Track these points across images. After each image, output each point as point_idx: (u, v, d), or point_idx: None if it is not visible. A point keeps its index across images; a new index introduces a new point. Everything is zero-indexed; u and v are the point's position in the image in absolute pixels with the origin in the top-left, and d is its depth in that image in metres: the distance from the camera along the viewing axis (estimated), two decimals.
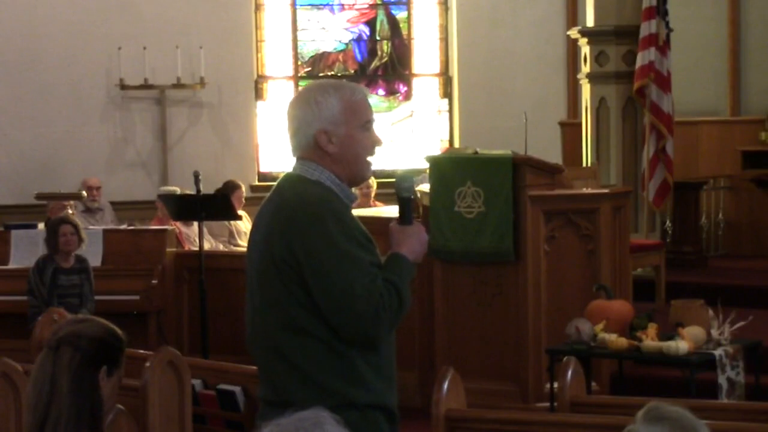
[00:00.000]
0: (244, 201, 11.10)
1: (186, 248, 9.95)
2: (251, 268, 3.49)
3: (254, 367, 6.20)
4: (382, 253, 3.51)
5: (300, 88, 3.70)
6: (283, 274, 3.35)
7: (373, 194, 10.89)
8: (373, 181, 10.62)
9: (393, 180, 3.80)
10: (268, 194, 3.60)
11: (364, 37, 13.27)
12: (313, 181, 3.44)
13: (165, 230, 9.61)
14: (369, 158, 3.52)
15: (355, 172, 3.50)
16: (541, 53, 12.86)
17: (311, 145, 3.46)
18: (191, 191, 9.26)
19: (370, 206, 10.31)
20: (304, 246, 3.32)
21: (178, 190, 10.75)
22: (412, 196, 3.60)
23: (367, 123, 3.49)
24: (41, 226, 9.56)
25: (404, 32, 13.28)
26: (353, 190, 3.64)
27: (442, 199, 7.66)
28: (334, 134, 3.43)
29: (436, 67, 13.27)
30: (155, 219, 10.71)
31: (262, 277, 3.41)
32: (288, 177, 3.54)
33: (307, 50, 13.18)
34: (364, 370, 3.38)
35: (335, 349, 3.35)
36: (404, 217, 3.53)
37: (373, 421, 3.41)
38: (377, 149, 3.55)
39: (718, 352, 6.45)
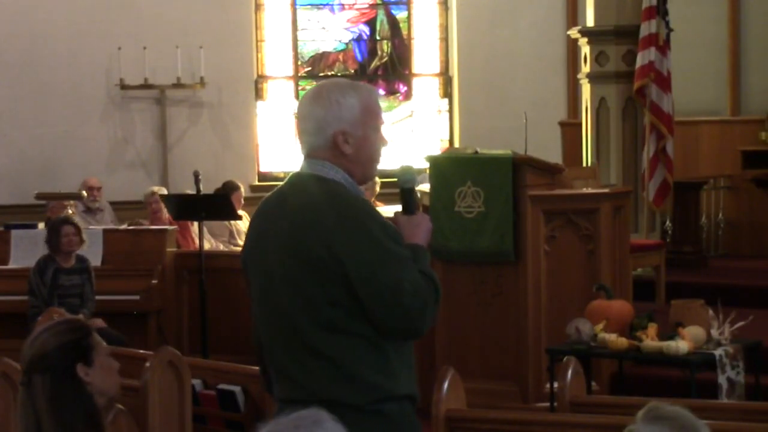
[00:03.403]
0: (243, 201, 11.10)
1: (190, 247, 9.97)
2: (271, 272, 3.43)
3: (254, 367, 6.23)
4: None
5: (312, 86, 3.65)
6: (320, 274, 3.32)
7: (375, 193, 10.88)
8: (377, 180, 10.61)
9: (393, 180, 3.81)
10: (269, 195, 3.56)
11: (364, 37, 13.27)
12: (330, 180, 3.42)
13: (165, 230, 9.61)
14: (379, 159, 3.55)
15: (366, 172, 3.51)
16: (541, 53, 12.86)
17: (328, 145, 3.44)
18: (191, 191, 9.26)
19: None
20: (347, 247, 3.30)
21: (163, 190, 10.82)
22: (414, 186, 3.62)
23: (380, 125, 3.51)
24: (41, 226, 9.56)
25: (404, 32, 13.28)
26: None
27: (442, 199, 7.66)
28: (351, 135, 3.43)
29: (436, 67, 13.27)
30: (150, 218, 10.70)
31: (294, 278, 3.37)
32: (302, 176, 3.48)
33: (307, 50, 13.18)
34: (397, 362, 3.40)
35: (374, 343, 3.35)
36: (408, 207, 3.56)
37: (408, 411, 3.44)
38: (383, 149, 3.57)
39: (718, 352, 6.44)
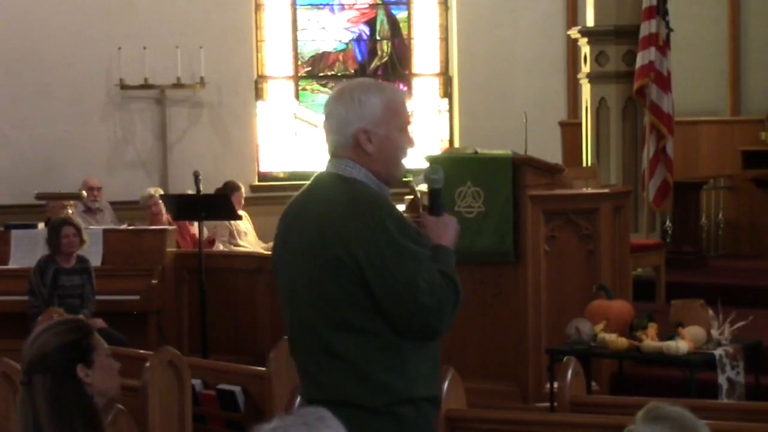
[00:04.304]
0: (243, 202, 11.09)
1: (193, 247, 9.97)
2: (293, 272, 3.43)
3: (254, 367, 6.25)
4: None
5: (341, 85, 3.62)
6: (339, 274, 3.31)
7: None
8: None
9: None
10: (296, 195, 3.54)
11: (364, 37, 13.27)
12: (350, 179, 3.41)
13: (165, 230, 9.62)
14: (404, 159, 3.51)
15: (391, 172, 3.49)
16: (541, 53, 12.86)
17: (350, 143, 3.43)
18: (191, 191, 9.26)
19: None
20: (363, 245, 3.29)
21: (160, 191, 10.80)
22: (442, 187, 3.58)
23: (404, 125, 3.49)
24: (41, 226, 9.56)
25: (404, 32, 13.28)
26: None
27: None
28: (373, 134, 3.42)
29: (436, 67, 13.27)
30: (150, 219, 10.70)
31: (312, 278, 3.36)
32: (325, 176, 3.48)
33: (307, 50, 13.18)
34: (417, 364, 3.38)
35: (391, 345, 3.33)
36: (435, 208, 3.53)
37: (426, 414, 3.41)
38: (409, 150, 3.53)
39: (718, 352, 6.44)
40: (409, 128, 3.53)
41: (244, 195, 11.23)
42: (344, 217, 3.34)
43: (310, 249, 3.37)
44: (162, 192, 10.94)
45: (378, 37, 13.29)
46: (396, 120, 3.46)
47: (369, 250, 3.29)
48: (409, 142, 3.50)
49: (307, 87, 13.12)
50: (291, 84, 13.02)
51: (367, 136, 3.42)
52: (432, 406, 3.44)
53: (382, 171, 3.45)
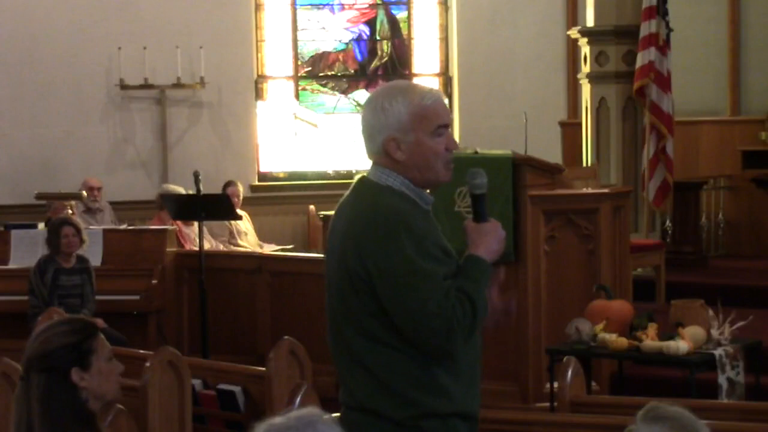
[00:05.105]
0: (241, 199, 11.08)
1: (186, 248, 9.95)
2: (329, 279, 3.41)
3: (254, 367, 6.26)
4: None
5: (376, 89, 3.55)
6: (356, 285, 3.27)
7: None
8: None
9: None
10: (344, 196, 3.48)
11: (364, 37, 13.27)
12: (384, 187, 3.34)
13: (165, 230, 9.61)
14: (445, 162, 3.37)
15: (429, 177, 3.37)
16: (541, 53, 12.87)
17: (381, 151, 3.35)
18: (192, 191, 9.25)
19: None
20: (376, 261, 3.23)
21: (181, 190, 10.75)
22: (485, 192, 3.43)
23: (438, 128, 3.35)
24: (41, 226, 9.56)
25: (404, 32, 13.29)
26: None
27: (442, 198, 7.65)
28: (402, 141, 3.33)
29: (436, 67, 13.27)
30: (155, 218, 10.69)
31: (338, 286, 3.34)
32: (362, 182, 3.41)
33: (307, 50, 13.18)
34: (443, 379, 3.30)
35: (413, 357, 3.27)
36: (479, 215, 3.41)
37: (456, 430, 3.34)
38: (454, 152, 3.41)
39: (718, 352, 6.44)
40: (449, 129, 3.41)
41: (241, 193, 11.24)
42: (363, 232, 3.28)
43: (336, 256, 3.35)
44: (182, 190, 10.90)
45: (378, 37, 13.29)
46: (425, 124, 3.33)
47: (380, 266, 3.23)
48: (448, 143, 3.37)
49: (307, 87, 13.13)
50: (291, 84, 13.03)
51: (396, 144, 3.33)
52: (463, 422, 3.37)
53: (417, 177, 3.36)
